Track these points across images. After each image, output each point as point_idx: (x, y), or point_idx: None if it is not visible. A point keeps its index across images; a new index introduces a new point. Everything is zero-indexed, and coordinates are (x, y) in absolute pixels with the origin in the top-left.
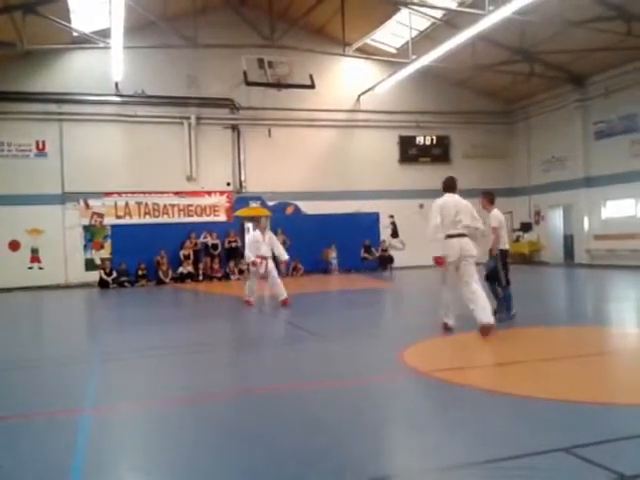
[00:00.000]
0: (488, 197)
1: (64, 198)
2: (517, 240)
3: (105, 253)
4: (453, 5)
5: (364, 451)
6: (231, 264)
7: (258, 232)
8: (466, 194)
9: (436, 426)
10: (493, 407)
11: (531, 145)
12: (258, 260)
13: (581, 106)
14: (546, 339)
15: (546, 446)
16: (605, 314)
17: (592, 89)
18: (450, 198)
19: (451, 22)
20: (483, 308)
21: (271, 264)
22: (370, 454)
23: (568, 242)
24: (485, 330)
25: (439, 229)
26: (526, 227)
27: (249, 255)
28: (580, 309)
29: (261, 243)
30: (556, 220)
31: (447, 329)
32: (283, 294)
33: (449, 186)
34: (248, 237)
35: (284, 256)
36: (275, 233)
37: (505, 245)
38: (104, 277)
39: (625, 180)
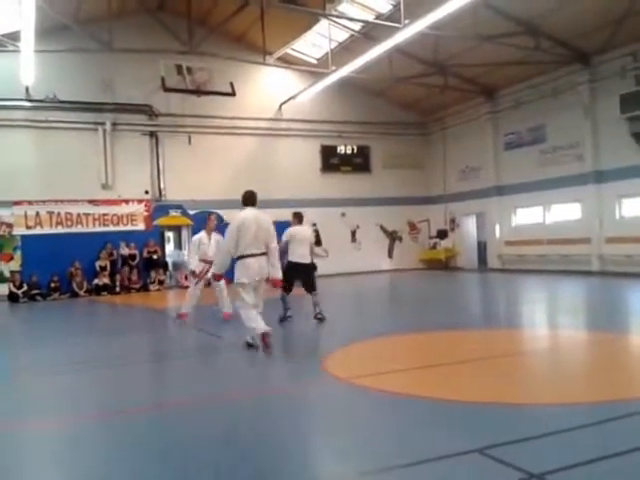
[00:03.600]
0: (297, 217)
1: None
2: (434, 247)
3: (15, 265)
4: (370, 18)
5: (279, 461)
6: (152, 274)
7: (204, 233)
8: (385, 202)
9: (354, 432)
10: (409, 411)
11: (446, 155)
12: (200, 269)
13: (492, 118)
14: (458, 342)
15: (461, 448)
16: (512, 317)
17: (502, 101)
18: (251, 213)
19: (369, 35)
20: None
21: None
22: (285, 463)
23: (481, 248)
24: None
25: (229, 255)
26: (442, 234)
27: (191, 261)
28: (489, 313)
29: (207, 246)
30: (470, 227)
31: (252, 347)
32: (225, 307)
33: (249, 198)
34: (193, 239)
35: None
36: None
37: (295, 258)
38: (14, 290)
39: (533, 189)
